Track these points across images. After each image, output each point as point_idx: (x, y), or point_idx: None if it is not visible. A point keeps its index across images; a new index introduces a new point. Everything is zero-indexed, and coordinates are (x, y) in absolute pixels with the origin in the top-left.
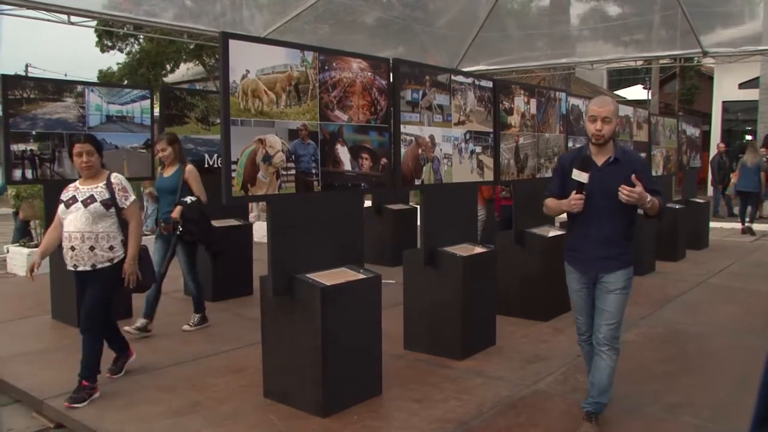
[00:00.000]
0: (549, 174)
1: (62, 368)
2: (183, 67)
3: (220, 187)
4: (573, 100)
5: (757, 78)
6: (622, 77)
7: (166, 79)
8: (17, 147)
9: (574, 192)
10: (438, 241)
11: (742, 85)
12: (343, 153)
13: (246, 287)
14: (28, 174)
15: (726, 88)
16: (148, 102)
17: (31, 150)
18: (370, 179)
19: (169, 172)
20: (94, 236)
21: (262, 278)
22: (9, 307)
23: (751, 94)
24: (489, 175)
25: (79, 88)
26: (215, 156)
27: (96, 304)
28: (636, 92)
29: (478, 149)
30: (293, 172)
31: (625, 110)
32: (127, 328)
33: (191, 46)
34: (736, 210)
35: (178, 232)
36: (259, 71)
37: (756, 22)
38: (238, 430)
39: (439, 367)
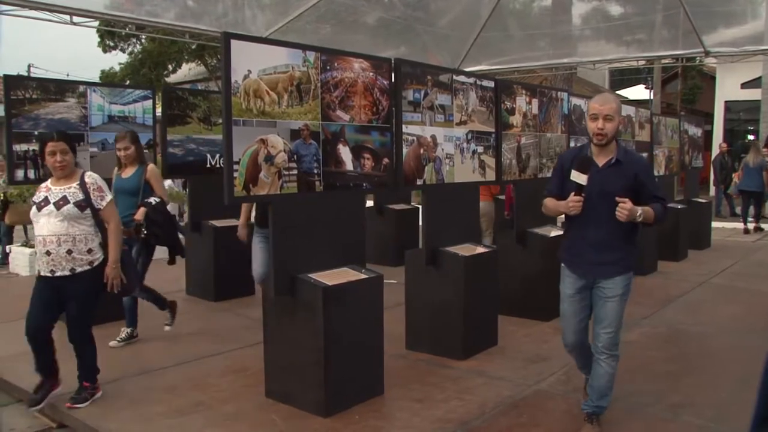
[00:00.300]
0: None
1: (64, 368)
2: (185, 67)
3: (222, 187)
4: (575, 100)
5: (760, 78)
6: (624, 77)
7: (168, 80)
8: (20, 147)
9: (573, 194)
10: (440, 241)
11: (745, 85)
12: (345, 153)
13: (248, 287)
14: (31, 174)
15: (728, 88)
16: (150, 102)
17: (34, 150)
18: (372, 179)
19: (128, 173)
20: (71, 239)
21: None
22: (11, 306)
23: (754, 94)
24: (491, 175)
25: (82, 88)
26: (217, 156)
27: (81, 314)
28: (638, 92)
29: (480, 149)
30: (295, 172)
31: (628, 110)
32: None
33: (193, 47)
34: (738, 210)
35: (142, 236)
36: (261, 71)
37: (758, 21)
38: (240, 430)
39: (441, 367)
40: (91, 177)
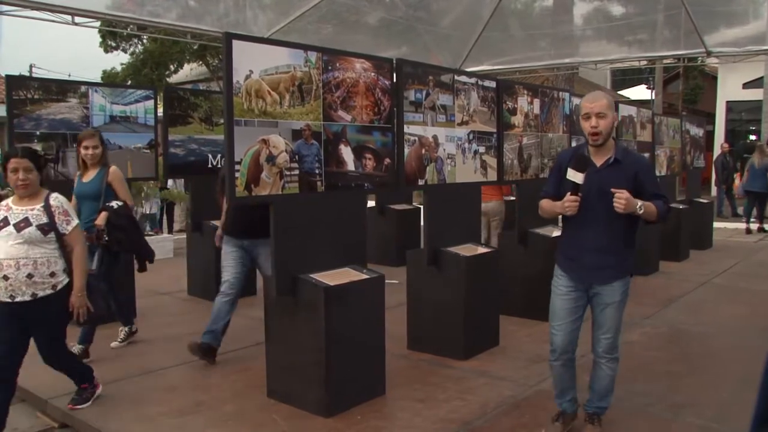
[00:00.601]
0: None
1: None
2: (186, 67)
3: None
4: (576, 100)
5: (761, 78)
6: (625, 77)
7: (169, 80)
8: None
9: (569, 193)
10: (441, 241)
11: (746, 85)
12: (347, 153)
13: (250, 287)
14: None
15: (730, 88)
16: (151, 102)
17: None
18: (373, 179)
19: (89, 176)
20: (31, 262)
21: (265, 278)
22: None
23: (755, 94)
24: (492, 176)
25: (83, 88)
26: (219, 156)
27: (50, 340)
28: (639, 92)
29: (482, 149)
30: (297, 172)
31: (629, 110)
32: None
33: (195, 47)
34: (740, 210)
35: (103, 242)
36: (262, 71)
37: (760, 21)
38: (242, 430)
39: (443, 367)
40: (56, 200)
